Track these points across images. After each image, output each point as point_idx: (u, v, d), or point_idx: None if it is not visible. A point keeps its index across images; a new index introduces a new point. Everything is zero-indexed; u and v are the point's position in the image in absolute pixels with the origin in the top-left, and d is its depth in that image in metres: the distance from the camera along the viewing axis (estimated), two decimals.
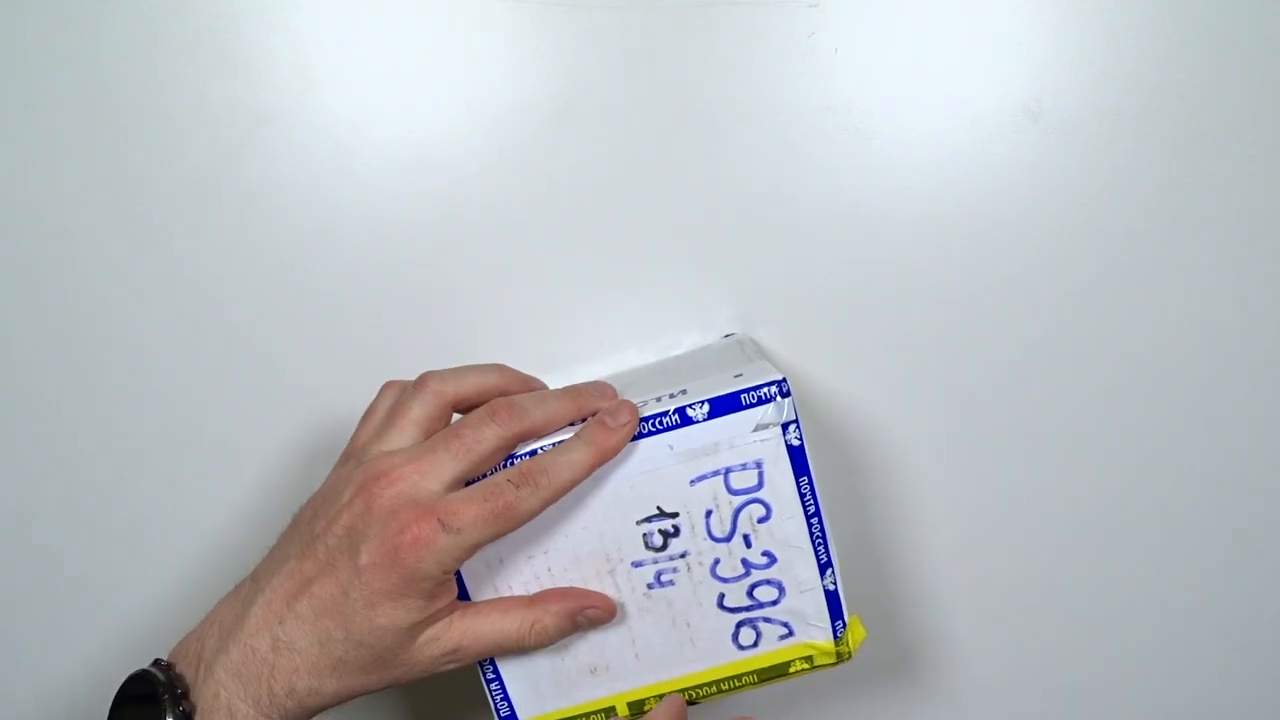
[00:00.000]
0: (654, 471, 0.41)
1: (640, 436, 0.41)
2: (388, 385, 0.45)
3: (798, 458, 0.42)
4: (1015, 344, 0.52)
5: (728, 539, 0.42)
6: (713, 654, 0.44)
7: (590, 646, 0.44)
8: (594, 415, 0.41)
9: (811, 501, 0.42)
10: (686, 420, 0.41)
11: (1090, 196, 0.50)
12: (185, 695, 0.39)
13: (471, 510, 0.39)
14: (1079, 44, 0.49)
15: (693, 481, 0.41)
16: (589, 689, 0.44)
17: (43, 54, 0.49)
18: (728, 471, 0.41)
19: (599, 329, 0.52)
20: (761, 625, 0.43)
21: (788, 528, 0.42)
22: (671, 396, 0.42)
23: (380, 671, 0.40)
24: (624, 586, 0.43)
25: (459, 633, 0.41)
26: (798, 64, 0.49)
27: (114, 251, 0.51)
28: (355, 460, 0.41)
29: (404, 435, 0.41)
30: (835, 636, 0.43)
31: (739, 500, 0.42)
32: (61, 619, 0.55)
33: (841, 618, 0.43)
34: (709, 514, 0.42)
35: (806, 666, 0.44)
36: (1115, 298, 0.51)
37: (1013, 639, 0.55)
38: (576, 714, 0.44)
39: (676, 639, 0.43)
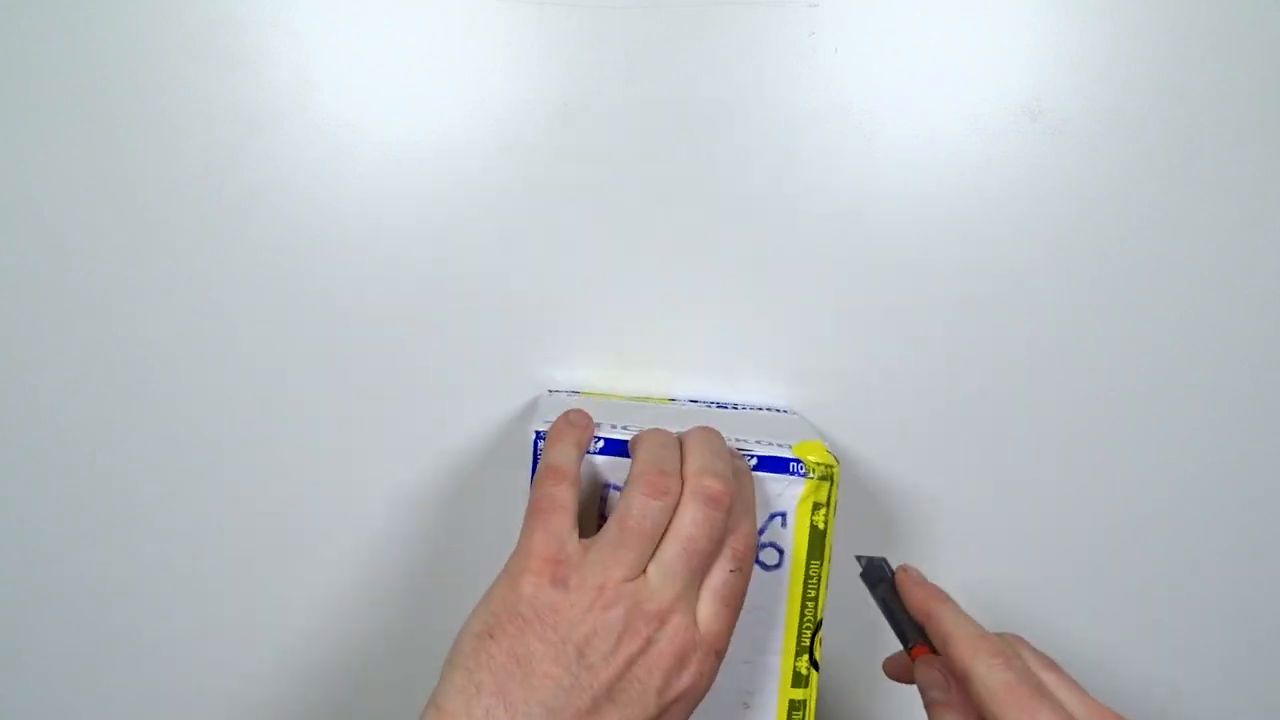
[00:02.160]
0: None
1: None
2: (551, 480, 0.40)
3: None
4: (1015, 344, 0.52)
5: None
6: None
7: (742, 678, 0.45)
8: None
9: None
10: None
11: (1090, 196, 0.50)
12: None
13: (727, 624, 0.39)
14: (1079, 44, 0.49)
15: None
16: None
17: (42, 54, 0.49)
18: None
19: (599, 329, 0.52)
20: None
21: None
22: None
23: None
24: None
25: None
26: (798, 64, 0.49)
27: (114, 251, 0.51)
28: (593, 590, 0.37)
29: (639, 560, 0.38)
30: (805, 475, 0.44)
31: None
32: (64, 619, 0.55)
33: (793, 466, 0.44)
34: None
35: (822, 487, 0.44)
36: (1115, 297, 0.51)
37: None
38: None
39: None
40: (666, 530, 0.38)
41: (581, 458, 0.42)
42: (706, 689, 0.39)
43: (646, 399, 0.52)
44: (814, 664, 0.45)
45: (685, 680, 0.37)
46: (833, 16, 0.49)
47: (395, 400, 0.52)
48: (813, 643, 0.45)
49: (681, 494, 0.39)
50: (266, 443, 0.53)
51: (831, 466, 0.44)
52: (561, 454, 0.41)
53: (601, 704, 0.36)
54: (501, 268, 0.51)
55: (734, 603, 0.39)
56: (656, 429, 0.43)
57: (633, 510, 0.38)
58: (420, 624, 0.55)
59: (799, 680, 0.45)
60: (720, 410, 0.51)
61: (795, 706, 0.45)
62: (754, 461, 0.43)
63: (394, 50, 0.49)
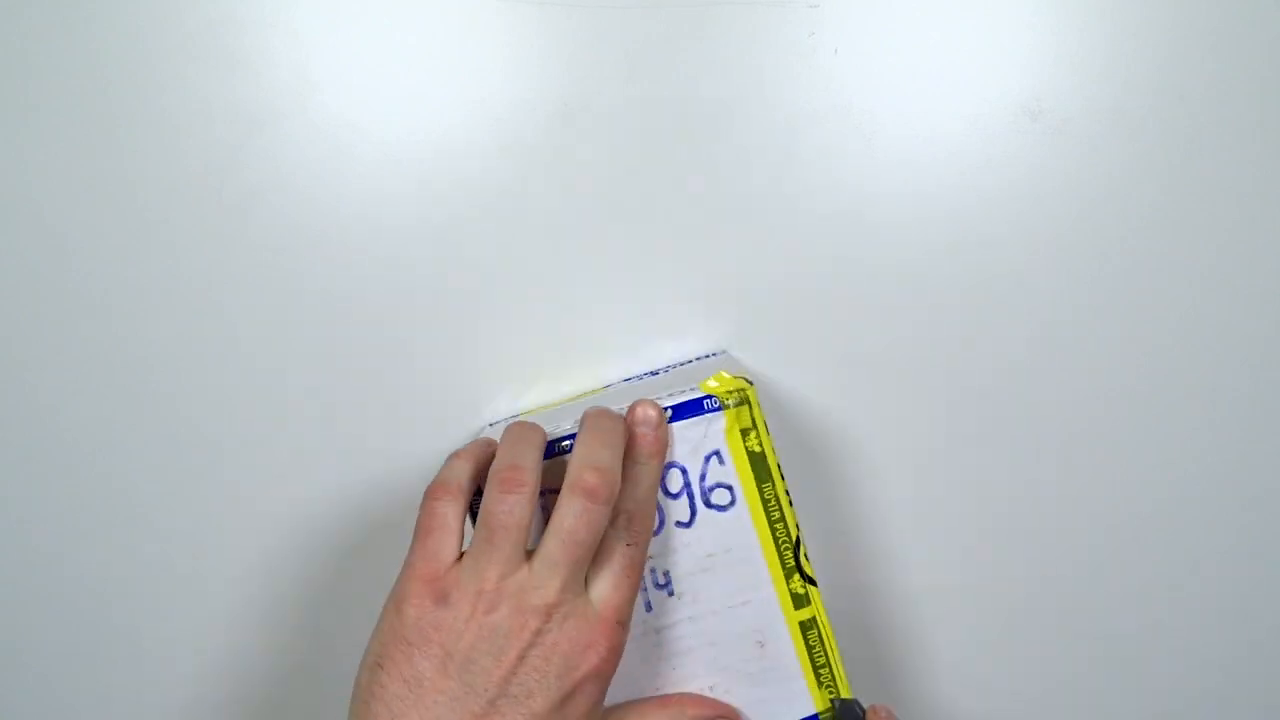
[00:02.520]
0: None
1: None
2: (445, 492, 0.41)
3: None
4: (1015, 344, 0.52)
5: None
6: None
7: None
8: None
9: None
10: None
11: (1090, 196, 0.50)
12: None
13: (626, 594, 0.40)
14: (1079, 44, 0.49)
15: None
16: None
17: (42, 54, 0.49)
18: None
19: (598, 329, 0.52)
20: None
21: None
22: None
23: None
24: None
25: None
26: (798, 64, 0.49)
27: (113, 251, 0.51)
28: (471, 599, 0.38)
29: (515, 554, 0.39)
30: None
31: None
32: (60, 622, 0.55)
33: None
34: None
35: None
36: (1115, 297, 0.51)
37: (998, 642, 0.55)
38: None
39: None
40: (548, 524, 0.39)
41: (478, 472, 0.42)
42: (616, 662, 0.39)
43: (581, 395, 0.51)
44: (808, 579, 0.45)
45: (589, 661, 0.38)
46: (833, 16, 0.49)
47: (396, 400, 0.52)
48: (798, 560, 0.45)
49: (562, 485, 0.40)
50: (266, 443, 0.53)
51: (743, 389, 0.44)
52: (449, 469, 0.41)
53: (498, 702, 0.37)
54: (501, 268, 0.51)
55: (633, 573, 0.40)
56: (517, 422, 0.43)
57: (490, 509, 0.39)
58: None
59: (799, 601, 0.45)
60: (651, 377, 0.50)
61: (806, 627, 0.45)
62: (668, 414, 0.43)
63: (394, 50, 0.49)
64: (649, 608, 0.44)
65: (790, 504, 0.45)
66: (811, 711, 0.45)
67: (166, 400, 0.52)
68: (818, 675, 0.45)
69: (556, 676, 0.37)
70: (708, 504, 0.44)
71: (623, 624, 0.39)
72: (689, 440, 0.43)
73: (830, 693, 0.45)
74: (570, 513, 0.39)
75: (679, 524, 0.44)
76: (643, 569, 0.41)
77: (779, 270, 0.51)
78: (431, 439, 0.53)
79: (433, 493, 0.40)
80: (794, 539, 0.45)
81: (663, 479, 0.43)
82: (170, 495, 0.53)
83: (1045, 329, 0.52)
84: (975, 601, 0.55)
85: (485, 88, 0.50)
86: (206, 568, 0.54)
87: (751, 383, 0.44)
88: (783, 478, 0.45)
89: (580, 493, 0.39)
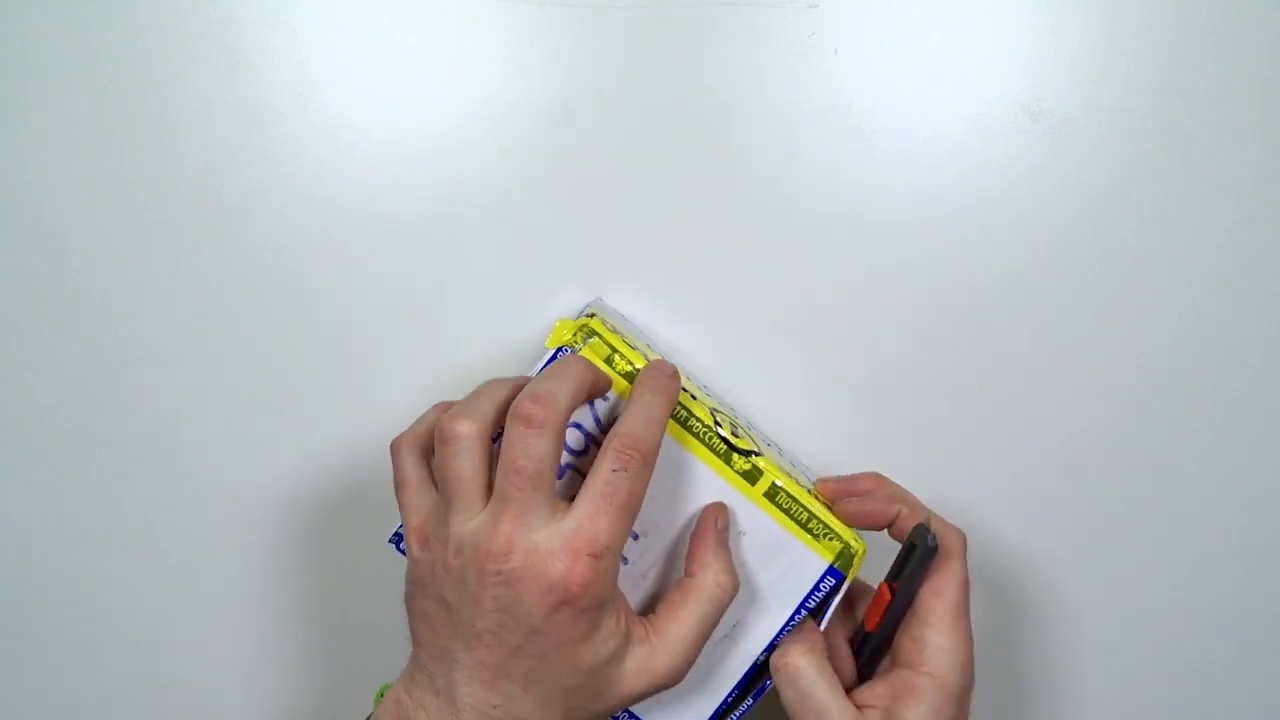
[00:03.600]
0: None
1: None
2: (401, 445, 0.43)
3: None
4: (1015, 344, 0.52)
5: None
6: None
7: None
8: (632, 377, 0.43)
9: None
10: None
11: (1090, 196, 0.50)
12: None
13: (604, 523, 0.39)
14: (1079, 44, 0.49)
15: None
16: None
17: (42, 54, 0.49)
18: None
19: None
20: None
21: None
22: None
23: (602, 705, 0.40)
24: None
25: (664, 663, 0.41)
26: (798, 64, 0.49)
27: (113, 251, 0.51)
28: (443, 546, 0.40)
29: (469, 500, 0.40)
30: None
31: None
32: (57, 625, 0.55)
33: None
34: None
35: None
36: (1115, 297, 0.51)
37: (998, 642, 0.55)
38: None
39: None
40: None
41: (433, 420, 0.44)
42: (595, 591, 0.38)
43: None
44: (747, 453, 0.44)
45: (556, 594, 0.38)
46: (833, 17, 0.49)
47: (395, 399, 0.52)
48: (728, 441, 0.44)
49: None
50: (267, 442, 0.53)
51: (585, 324, 0.44)
52: (417, 423, 0.45)
53: (485, 637, 0.39)
54: (501, 267, 0.51)
55: (618, 500, 0.39)
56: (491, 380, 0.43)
57: (439, 462, 0.40)
58: None
59: (751, 476, 0.44)
60: None
61: (772, 495, 0.44)
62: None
63: (394, 50, 0.49)
64: (625, 561, 0.44)
65: (693, 396, 0.44)
66: (824, 565, 0.44)
67: (166, 400, 0.52)
68: (810, 530, 0.44)
69: (527, 613, 0.38)
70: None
71: (595, 555, 0.38)
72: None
73: (831, 540, 0.44)
74: (508, 442, 0.39)
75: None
76: (633, 499, 0.39)
77: (779, 270, 0.51)
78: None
79: (392, 447, 0.44)
80: (712, 424, 0.44)
81: (566, 442, 0.42)
82: (170, 495, 0.53)
83: (1045, 329, 0.52)
84: (975, 602, 0.55)
85: (485, 88, 0.50)
86: (207, 567, 0.54)
87: (592, 314, 0.44)
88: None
89: (516, 419, 0.39)
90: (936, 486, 0.53)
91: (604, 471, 0.39)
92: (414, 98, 0.50)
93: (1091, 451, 0.53)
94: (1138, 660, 0.55)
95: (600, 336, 0.44)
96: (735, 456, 0.44)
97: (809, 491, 0.45)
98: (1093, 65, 0.49)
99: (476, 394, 0.42)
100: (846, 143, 0.50)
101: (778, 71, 0.49)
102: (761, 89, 0.49)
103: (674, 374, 0.43)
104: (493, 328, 0.52)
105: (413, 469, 0.43)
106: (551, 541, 0.38)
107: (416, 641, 0.41)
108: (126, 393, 0.52)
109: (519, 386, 0.41)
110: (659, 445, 0.41)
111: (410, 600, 0.42)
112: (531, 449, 0.38)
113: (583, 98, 0.50)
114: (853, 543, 0.44)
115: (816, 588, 0.44)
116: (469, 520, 0.39)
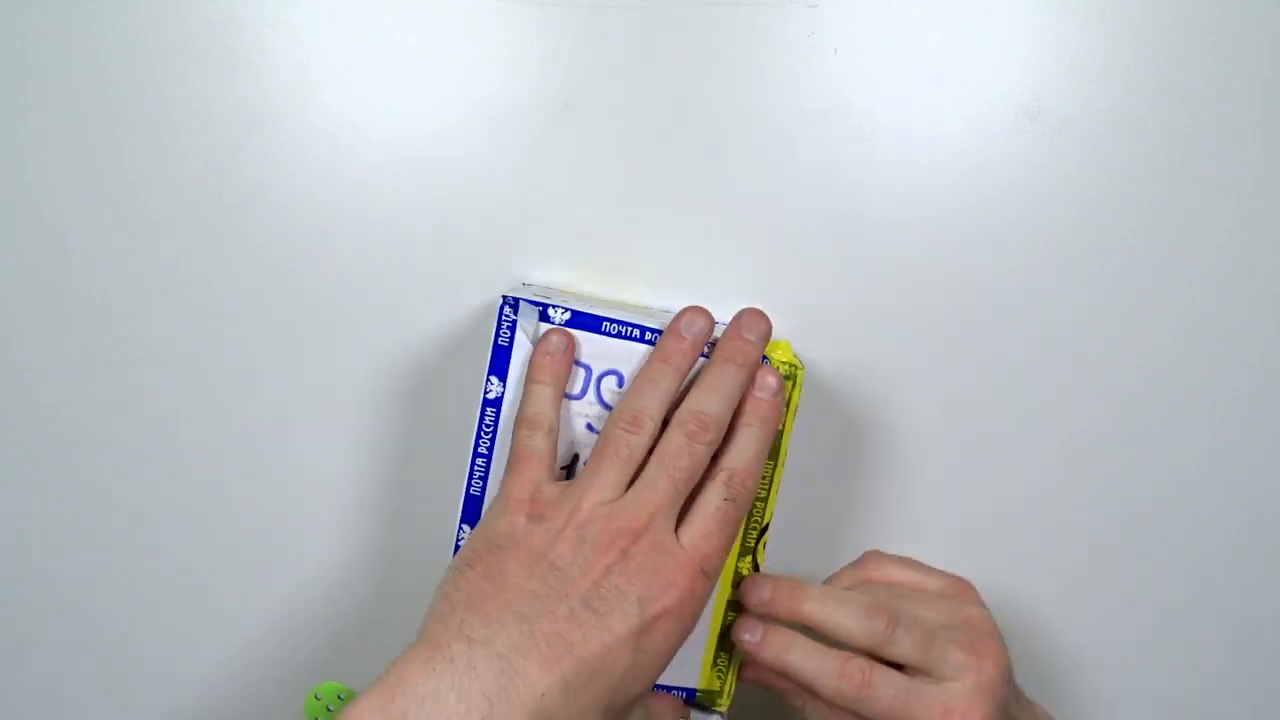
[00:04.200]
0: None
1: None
2: (523, 428, 0.42)
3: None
4: (1015, 344, 0.52)
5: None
6: None
7: None
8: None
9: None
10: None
11: (1090, 196, 0.50)
12: None
13: (716, 545, 0.39)
14: (1079, 44, 0.49)
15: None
16: None
17: (42, 54, 0.49)
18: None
19: None
20: None
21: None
22: None
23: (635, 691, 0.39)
24: None
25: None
26: (798, 64, 0.49)
27: (114, 251, 0.51)
28: (567, 514, 0.39)
29: (620, 478, 0.40)
30: None
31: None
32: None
33: None
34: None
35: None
36: (1115, 297, 0.51)
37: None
38: None
39: None
40: (651, 454, 0.40)
41: (560, 396, 0.43)
42: (695, 611, 0.39)
43: (624, 304, 0.51)
44: (756, 567, 0.46)
45: (670, 596, 0.38)
46: (833, 16, 0.49)
47: (393, 399, 0.52)
48: (757, 545, 0.45)
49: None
50: (266, 443, 0.53)
51: (796, 367, 0.44)
52: (537, 400, 0.43)
53: (579, 613, 0.37)
54: (501, 267, 0.51)
55: (727, 528, 0.40)
56: (656, 359, 0.43)
57: (609, 440, 0.40)
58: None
59: (739, 581, 0.45)
60: None
61: (732, 606, 0.46)
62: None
63: (394, 50, 0.49)
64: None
65: (777, 491, 0.45)
66: (694, 686, 0.46)
67: (166, 400, 0.52)
68: (715, 658, 0.46)
69: (637, 601, 0.37)
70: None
71: (707, 574, 0.39)
72: None
73: (719, 676, 0.46)
74: (673, 442, 0.40)
75: None
76: (737, 529, 0.41)
77: (778, 270, 0.51)
78: (435, 441, 0.53)
79: (525, 425, 0.42)
80: (764, 524, 0.45)
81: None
82: (170, 495, 0.53)
83: (1045, 329, 0.52)
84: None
85: (485, 88, 0.50)
86: (206, 567, 0.54)
87: (803, 366, 0.45)
88: (784, 465, 0.45)
89: (683, 430, 0.40)
90: (935, 489, 0.53)
91: (716, 498, 0.40)
92: (414, 98, 0.50)
93: (1091, 452, 0.53)
94: (1139, 660, 0.55)
95: (796, 387, 0.45)
96: (748, 559, 0.46)
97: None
98: (1093, 65, 0.49)
99: (651, 384, 0.42)
100: (846, 143, 0.50)
101: (778, 71, 0.49)
102: (761, 89, 0.49)
103: (779, 392, 0.43)
104: (490, 327, 0.52)
105: (544, 446, 0.42)
106: (674, 546, 0.39)
107: (457, 609, 0.37)
108: (126, 393, 0.52)
109: (682, 376, 0.43)
110: (760, 477, 0.42)
111: (477, 563, 0.38)
112: (694, 454, 0.40)
113: (583, 97, 0.50)
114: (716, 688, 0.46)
115: None
116: (607, 500, 0.39)
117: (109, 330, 0.52)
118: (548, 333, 0.44)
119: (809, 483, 0.53)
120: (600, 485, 0.39)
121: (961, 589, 0.47)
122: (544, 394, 0.43)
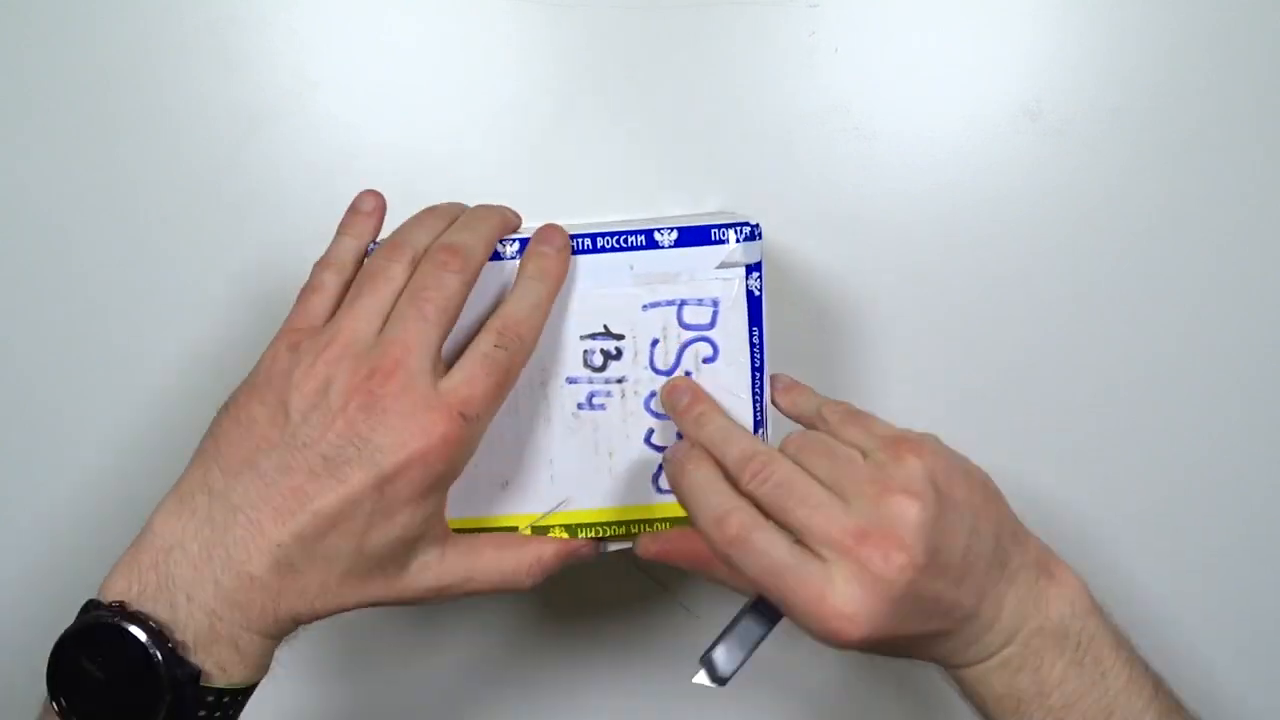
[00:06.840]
0: (609, 290, 0.41)
1: (602, 251, 0.41)
2: (319, 266, 0.41)
3: (754, 305, 0.41)
4: (1015, 344, 0.52)
5: (668, 373, 0.42)
6: (630, 492, 0.42)
7: (506, 460, 0.42)
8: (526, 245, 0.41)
9: (759, 355, 0.41)
10: (652, 243, 0.41)
11: (1090, 197, 0.50)
12: (162, 632, 0.35)
13: (480, 389, 0.37)
14: (1079, 44, 0.49)
15: (646, 307, 0.41)
16: (496, 504, 0.42)
17: (42, 54, 0.49)
18: (683, 304, 0.41)
19: None
20: None
21: (730, 374, 0.41)
22: (644, 224, 0.42)
23: (377, 585, 0.38)
24: (554, 402, 0.42)
25: (453, 570, 0.39)
26: (798, 64, 0.49)
27: (113, 251, 0.51)
28: (320, 347, 0.38)
29: (376, 312, 0.38)
30: None
31: (688, 335, 0.41)
32: None
33: None
34: (655, 344, 0.41)
35: None
36: (1115, 297, 0.51)
37: None
38: (477, 526, 0.42)
39: (595, 467, 0.42)
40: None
41: (364, 251, 0.42)
42: (452, 455, 0.37)
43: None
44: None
45: (418, 442, 0.36)
46: (833, 16, 0.49)
47: None
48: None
49: None
50: None
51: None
52: (338, 247, 0.42)
53: (315, 466, 0.36)
54: None
55: (495, 374, 0.38)
56: (425, 209, 0.42)
57: (367, 270, 0.39)
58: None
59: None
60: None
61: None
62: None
63: (394, 50, 0.49)
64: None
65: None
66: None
67: (166, 400, 0.52)
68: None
69: (378, 450, 0.36)
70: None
71: (466, 417, 0.37)
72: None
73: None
74: (421, 273, 0.38)
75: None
76: (508, 377, 0.38)
77: (778, 271, 0.51)
78: None
79: (317, 265, 0.41)
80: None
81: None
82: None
83: (1045, 329, 0.52)
84: None
85: (485, 88, 0.50)
86: None
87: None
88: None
89: (431, 261, 0.39)
90: None
91: (486, 345, 0.38)
92: (414, 98, 0.50)
93: (1091, 451, 0.53)
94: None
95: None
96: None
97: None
98: (1093, 65, 0.49)
99: (419, 224, 0.41)
100: (846, 143, 0.50)
101: (778, 71, 0.49)
102: (761, 89, 0.49)
103: (563, 248, 0.41)
104: None
105: (332, 285, 0.40)
106: (429, 389, 0.37)
107: (207, 456, 0.37)
108: (126, 393, 0.52)
109: (448, 221, 0.41)
110: (540, 331, 0.40)
111: (233, 405, 0.38)
112: (444, 283, 0.38)
113: (583, 97, 0.50)
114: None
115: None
116: (363, 324, 0.38)
117: (109, 330, 0.52)
118: (361, 193, 0.43)
119: None
120: (355, 313, 0.38)
121: (899, 448, 0.38)
122: (346, 244, 0.42)
